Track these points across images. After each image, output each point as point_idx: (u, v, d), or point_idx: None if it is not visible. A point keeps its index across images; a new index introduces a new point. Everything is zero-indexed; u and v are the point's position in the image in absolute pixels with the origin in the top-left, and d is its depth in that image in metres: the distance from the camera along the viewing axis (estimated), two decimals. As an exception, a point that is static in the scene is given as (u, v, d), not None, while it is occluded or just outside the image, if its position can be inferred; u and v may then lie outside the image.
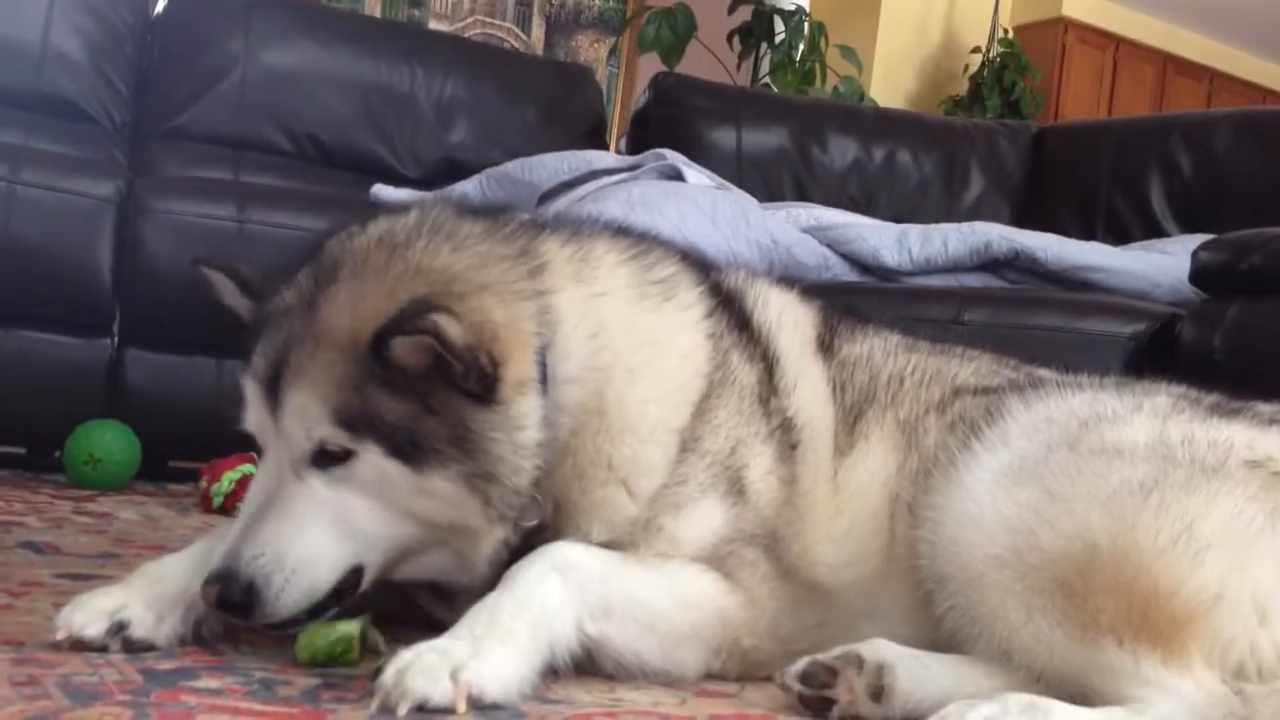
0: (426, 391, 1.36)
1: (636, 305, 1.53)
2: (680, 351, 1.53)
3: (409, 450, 1.36)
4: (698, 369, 1.53)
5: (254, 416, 1.44)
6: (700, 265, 1.66)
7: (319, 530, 1.38)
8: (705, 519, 1.48)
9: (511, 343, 1.39)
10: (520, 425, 1.40)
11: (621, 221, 1.68)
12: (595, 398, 1.46)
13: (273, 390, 1.40)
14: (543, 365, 1.43)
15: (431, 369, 1.35)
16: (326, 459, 1.38)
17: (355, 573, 1.41)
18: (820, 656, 1.39)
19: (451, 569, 1.46)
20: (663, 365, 1.51)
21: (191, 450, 3.09)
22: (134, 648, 1.37)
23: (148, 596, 1.41)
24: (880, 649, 1.39)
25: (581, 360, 1.46)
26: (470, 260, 1.44)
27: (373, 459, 1.36)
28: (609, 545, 1.45)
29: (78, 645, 1.35)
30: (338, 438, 1.37)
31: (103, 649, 1.36)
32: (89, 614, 1.37)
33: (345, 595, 1.41)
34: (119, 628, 1.37)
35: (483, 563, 1.44)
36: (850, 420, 1.63)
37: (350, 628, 1.40)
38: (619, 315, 1.51)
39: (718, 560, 1.47)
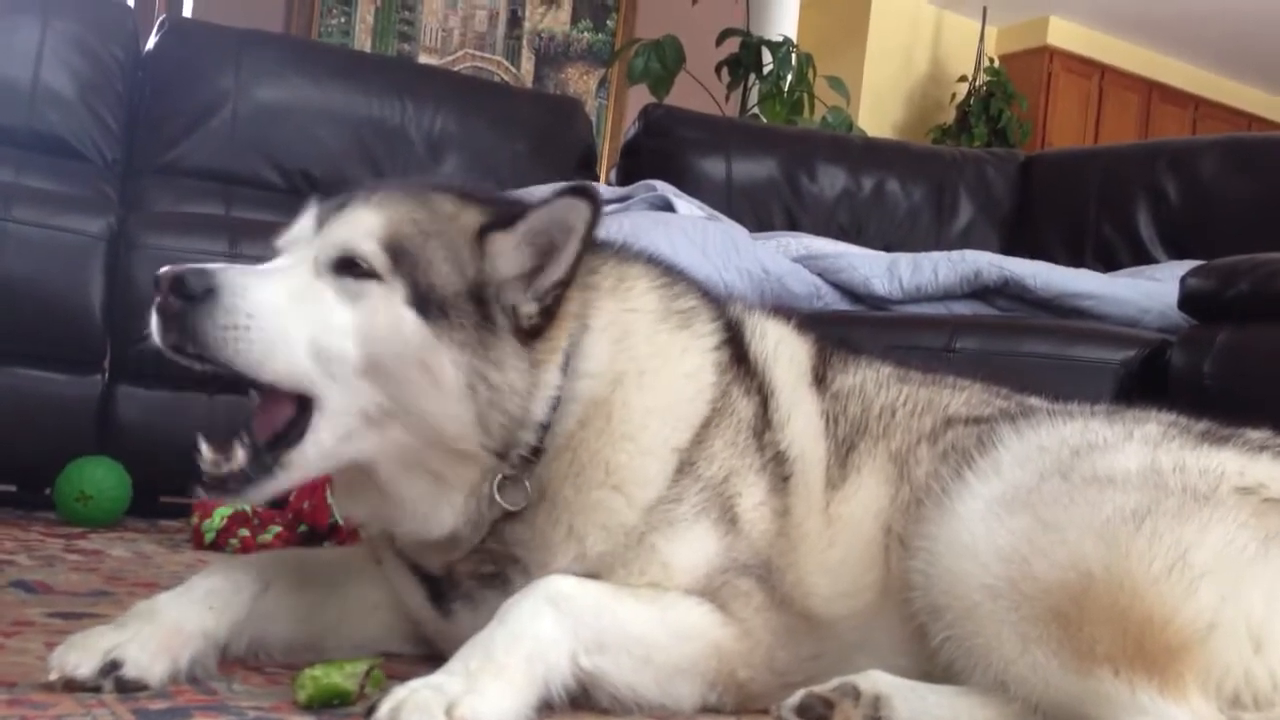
0: (484, 286, 1.40)
1: (658, 324, 1.57)
2: (685, 370, 1.55)
3: (433, 311, 1.37)
4: (701, 392, 1.55)
5: (294, 229, 1.46)
6: (718, 301, 1.69)
7: (303, 324, 1.35)
8: (699, 544, 1.48)
9: (564, 315, 1.45)
10: (535, 384, 1.42)
11: (654, 251, 1.71)
12: (605, 399, 1.48)
13: (339, 206, 1.43)
14: (567, 356, 1.46)
15: (513, 277, 1.41)
16: (348, 272, 1.38)
17: (303, 409, 1.36)
18: (816, 689, 1.39)
19: (423, 496, 1.43)
20: (669, 378, 1.53)
21: (183, 486, 3.07)
22: (127, 687, 1.36)
23: (140, 636, 1.40)
24: (876, 680, 1.38)
25: (602, 361, 1.49)
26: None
27: (394, 298, 1.37)
28: (605, 557, 1.45)
29: (71, 685, 1.34)
30: (376, 257, 1.37)
31: (96, 689, 1.35)
32: (82, 654, 1.36)
33: (284, 441, 1.36)
34: (112, 667, 1.36)
35: (454, 510, 1.43)
36: (843, 452, 1.64)
37: (354, 668, 1.39)
38: (642, 329, 1.54)
39: (712, 591, 1.47)
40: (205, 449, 1.38)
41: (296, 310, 1.35)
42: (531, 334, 1.42)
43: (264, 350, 1.32)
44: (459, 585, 1.52)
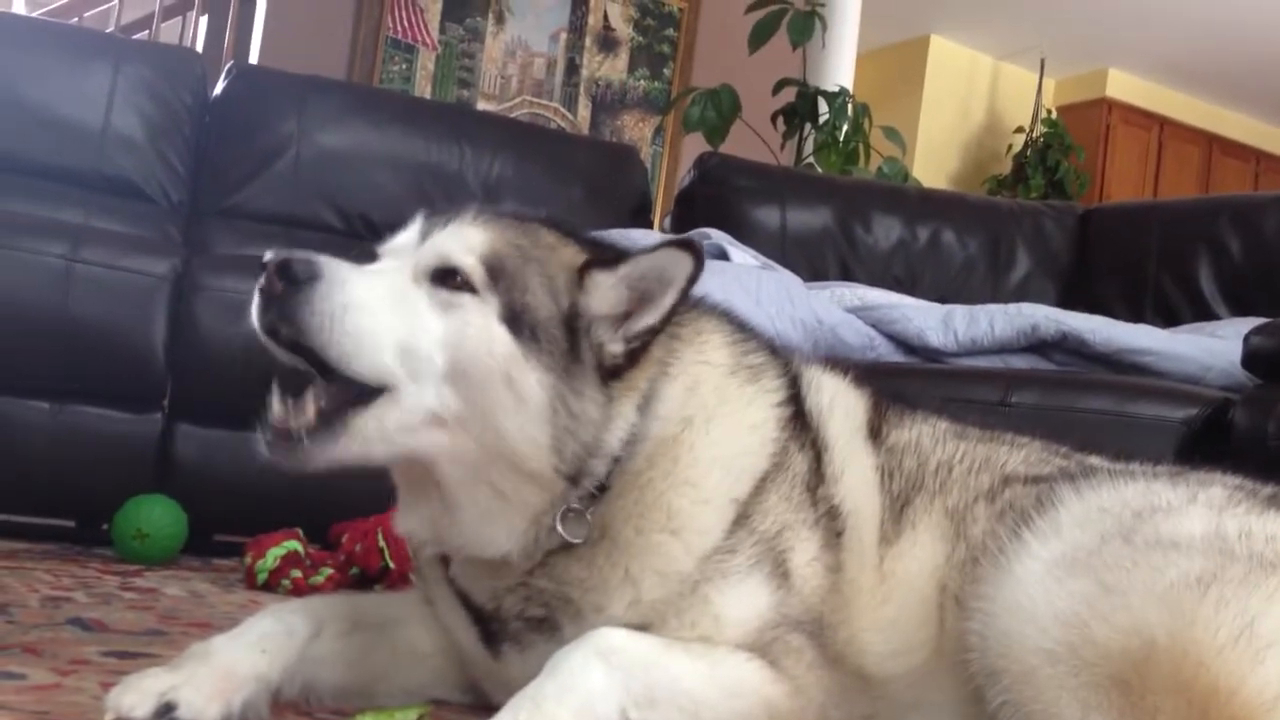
0: (577, 319, 1.43)
1: (729, 377, 1.58)
2: (751, 422, 1.56)
3: (524, 330, 1.39)
4: (764, 445, 1.55)
5: (398, 239, 1.49)
6: (784, 357, 1.70)
7: (396, 325, 1.38)
8: (751, 598, 1.46)
9: (647, 360, 1.47)
10: (610, 418, 1.43)
11: (727, 305, 1.73)
12: (674, 440, 1.49)
13: (444, 222, 1.46)
14: (644, 398, 1.47)
15: (605, 316, 1.43)
16: (444, 283, 1.40)
17: (389, 397, 1.37)
18: (871, 753, 1.37)
19: (485, 513, 1.43)
20: (734, 428, 1.54)
21: (237, 525, 3.11)
22: (181, 729, 1.37)
23: (195, 678, 1.41)
24: (931, 744, 1.36)
25: (674, 407, 1.50)
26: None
27: (488, 312, 1.39)
28: (658, 605, 1.44)
29: (125, 726, 1.36)
30: (474, 271, 1.40)
31: (150, 730, 1.36)
32: (137, 695, 1.37)
33: (351, 408, 1.37)
34: (167, 709, 1.37)
35: (511, 533, 1.43)
36: (897, 508, 1.62)
37: (405, 715, 1.39)
38: (714, 379, 1.56)
39: (763, 647, 1.45)
40: (276, 400, 1.38)
41: (391, 310, 1.38)
42: (612, 373, 1.45)
43: (355, 343, 1.35)
44: (507, 625, 1.51)
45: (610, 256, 1.47)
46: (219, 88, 4.20)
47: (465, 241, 1.43)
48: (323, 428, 1.36)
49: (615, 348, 1.44)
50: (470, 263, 1.40)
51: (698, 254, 1.42)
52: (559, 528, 1.44)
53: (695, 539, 1.47)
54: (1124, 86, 10.15)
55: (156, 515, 2.85)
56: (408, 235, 1.51)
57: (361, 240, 4.10)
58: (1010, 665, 1.35)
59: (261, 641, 1.48)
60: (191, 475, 3.09)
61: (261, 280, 1.36)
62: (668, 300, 1.44)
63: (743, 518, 1.49)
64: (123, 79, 3.92)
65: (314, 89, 4.28)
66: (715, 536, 1.47)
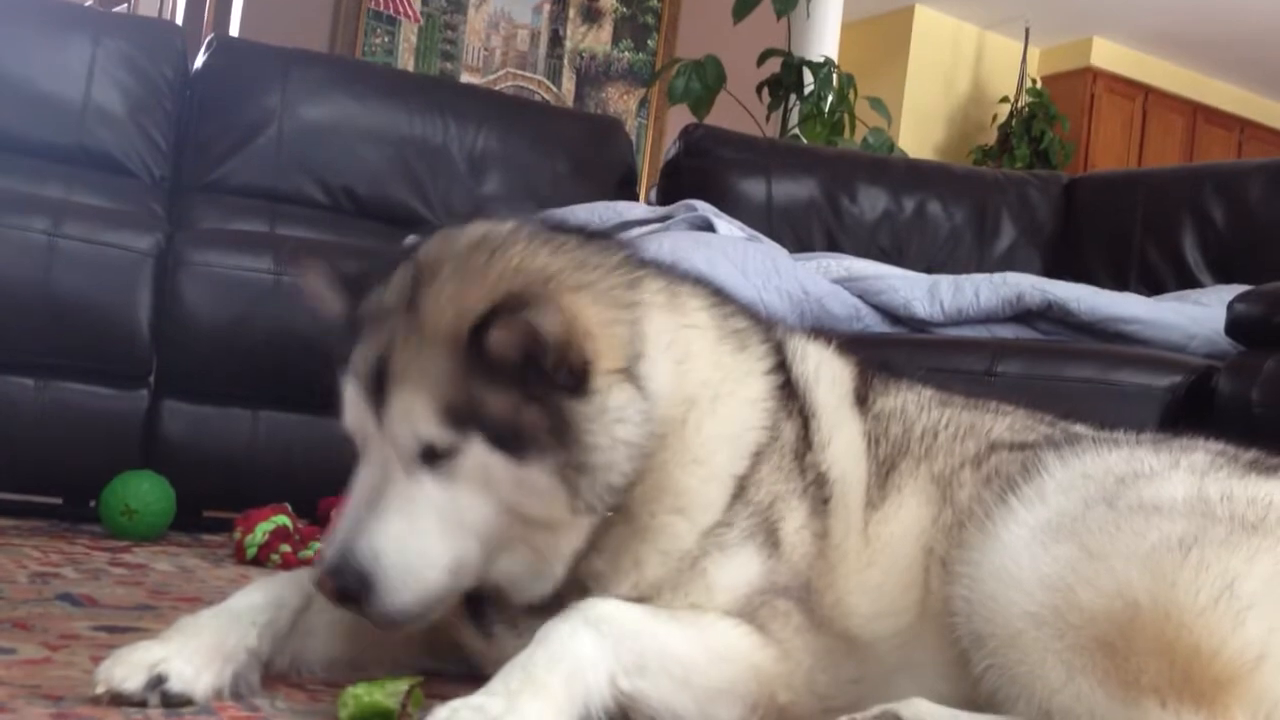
0: (525, 381, 1.38)
1: (719, 345, 1.56)
2: (751, 397, 1.56)
3: (511, 442, 1.38)
4: (762, 419, 1.55)
5: (354, 416, 1.45)
6: (764, 323, 1.69)
7: (431, 527, 1.39)
8: (743, 568, 1.48)
9: (604, 340, 1.41)
10: (618, 418, 1.41)
11: (700, 272, 1.71)
12: (679, 421, 1.48)
13: (376, 390, 1.41)
14: (629, 375, 1.44)
15: (528, 360, 1.37)
16: (434, 456, 1.39)
17: (457, 571, 1.42)
18: (857, 716, 1.38)
19: (526, 570, 1.46)
20: (738, 404, 1.54)
21: (226, 500, 3.12)
22: (172, 701, 1.37)
23: (186, 650, 1.41)
24: (919, 708, 1.37)
25: (669, 382, 1.48)
26: (567, 262, 1.46)
27: (478, 452, 1.38)
28: (658, 583, 1.45)
29: (117, 699, 1.36)
30: (445, 437, 1.38)
31: (141, 703, 1.36)
32: (128, 668, 1.37)
33: (448, 597, 1.44)
34: (158, 681, 1.37)
35: (558, 563, 1.45)
36: (883, 473, 1.63)
37: (395, 687, 1.40)
38: (705, 349, 1.54)
39: (750, 612, 1.47)
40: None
41: (425, 524, 1.40)
42: (580, 381, 1.39)
43: (424, 581, 1.40)
44: (505, 610, 1.52)
45: (490, 314, 1.36)
46: (200, 61, 4.16)
47: (415, 415, 1.38)
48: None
49: (562, 376, 1.38)
50: (436, 433, 1.38)
51: (531, 299, 1.36)
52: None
53: (700, 516, 1.48)
54: (1109, 55, 10.14)
55: (144, 491, 2.85)
56: (357, 409, 1.44)
57: (345, 214, 4.10)
58: (995, 629, 1.37)
59: (251, 614, 1.49)
60: (179, 451, 3.08)
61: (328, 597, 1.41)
62: (558, 343, 1.36)
63: (740, 490, 1.51)
64: (102, 52, 3.89)
65: (296, 62, 4.25)
66: (717, 512, 1.48)
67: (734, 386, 1.54)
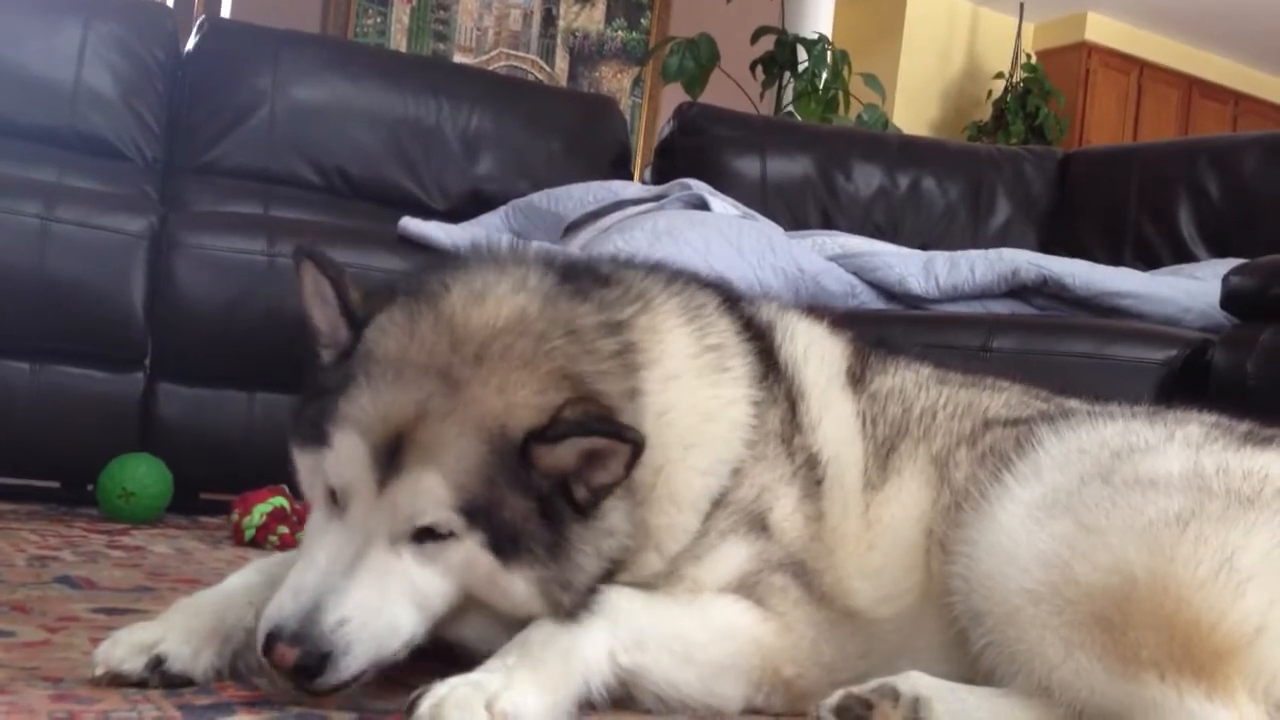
0: (549, 495, 1.36)
1: (698, 379, 1.53)
2: (731, 421, 1.54)
3: (507, 547, 1.35)
4: (743, 437, 1.53)
5: (350, 472, 1.36)
6: (743, 309, 1.66)
7: (403, 606, 1.35)
8: (727, 558, 1.48)
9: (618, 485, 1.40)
10: (609, 533, 1.40)
11: (671, 265, 1.68)
12: (653, 473, 1.46)
13: (392, 456, 1.34)
14: (631, 485, 1.42)
15: (565, 478, 1.35)
16: (427, 536, 1.35)
17: (410, 645, 1.38)
18: (855, 689, 1.38)
19: (479, 635, 1.42)
20: (714, 438, 1.52)
21: (223, 483, 3.12)
22: (172, 682, 1.37)
23: (184, 631, 1.42)
24: (916, 682, 1.38)
25: (650, 442, 1.43)
26: (591, 364, 1.42)
27: (471, 547, 1.35)
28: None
29: (116, 680, 1.36)
30: (453, 523, 1.34)
31: (141, 684, 1.36)
32: (127, 649, 1.38)
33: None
34: (157, 662, 1.37)
35: (516, 627, 1.40)
36: (882, 454, 1.63)
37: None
38: (684, 395, 1.51)
39: (747, 589, 1.47)
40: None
41: (394, 599, 1.34)
42: (597, 501, 1.39)
43: (380, 649, 1.33)
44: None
45: (548, 433, 1.34)
46: (191, 43, 4.15)
47: (432, 497, 1.33)
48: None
49: (582, 495, 1.37)
50: (446, 517, 1.34)
51: (635, 443, 1.34)
52: None
53: (671, 546, 1.48)
54: (1103, 30, 10.10)
55: (141, 474, 2.85)
56: (359, 472, 1.36)
57: (338, 195, 4.09)
58: (994, 607, 1.37)
59: (248, 594, 1.48)
60: (175, 434, 3.08)
61: (279, 675, 1.32)
62: (617, 472, 1.36)
63: (718, 501, 1.50)
64: (93, 35, 3.87)
65: (288, 43, 4.23)
66: (691, 536, 1.48)
67: (713, 428, 1.51)
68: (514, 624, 1.39)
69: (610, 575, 1.43)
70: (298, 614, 1.31)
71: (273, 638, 1.30)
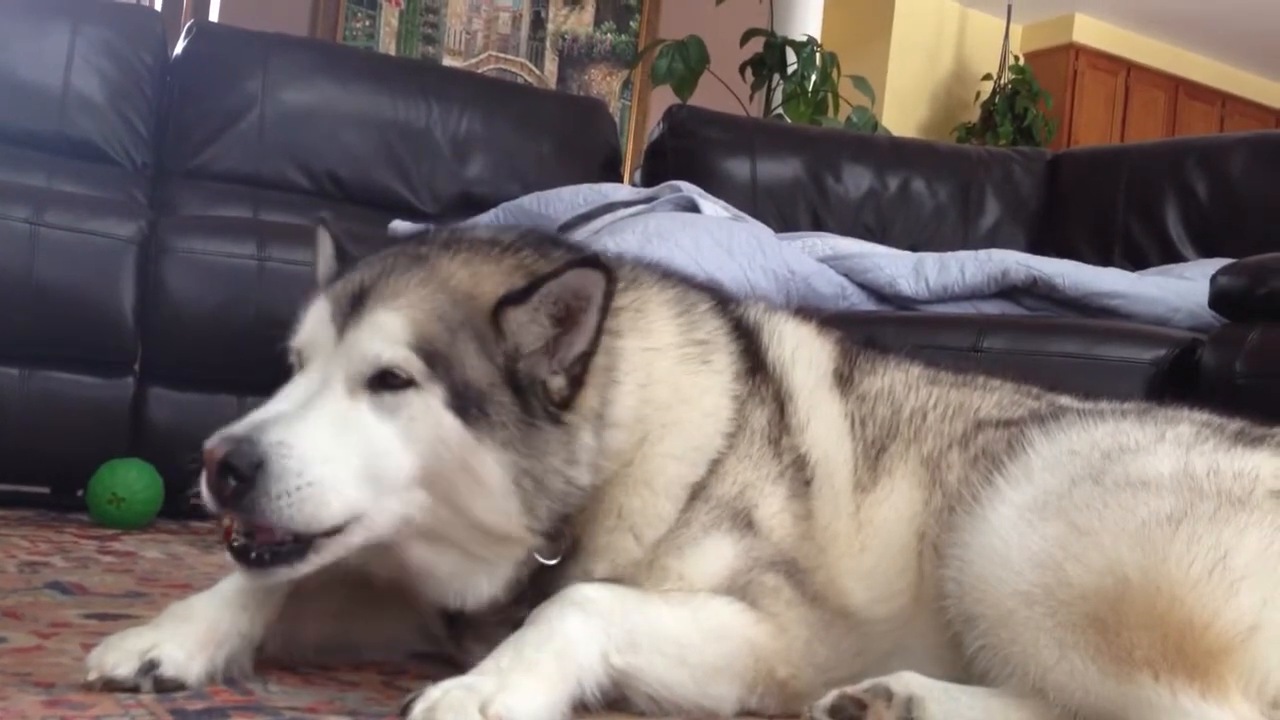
0: (515, 368, 1.38)
1: (680, 364, 1.54)
2: (705, 410, 1.54)
3: (473, 411, 1.34)
4: (719, 427, 1.54)
5: (310, 329, 1.40)
6: (734, 311, 1.67)
7: (350, 457, 1.32)
8: (712, 554, 1.48)
9: (591, 377, 1.42)
10: (574, 457, 1.40)
11: (667, 265, 1.69)
12: (633, 448, 1.47)
13: (355, 304, 1.37)
14: (598, 414, 1.44)
15: (536, 350, 1.38)
16: (384, 385, 1.34)
17: (358, 517, 1.34)
18: (849, 689, 1.39)
19: (451, 579, 1.42)
20: (689, 422, 1.52)
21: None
22: (165, 687, 1.37)
23: (177, 635, 1.41)
24: (909, 682, 1.38)
25: (630, 408, 1.47)
26: None
27: (432, 402, 1.34)
28: (614, 580, 1.45)
29: (109, 686, 1.36)
30: (410, 363, 1.33)
31: (134, 689, 1.36)
32: (120, 654, 1.37)
33: (329, 543, 1.34)
34: (150, 667, 1.37)
35: (492, 583, 1.42)
36: (872, 455, 1.63)
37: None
38: (665, 371, 1.53)
39: (739, 590, 1.47)
40: (237, 529, 1.35)
41: (344, 446, 1.32)
42: (563, 405, 1.40)
43: (319, 503, 1.30)
44: (477, 627, 1.50)
45: (519, 290, 1.39)
46: (179, 47, 4.14)
47: (389, 333, 1.34)
48: (291, 555, 1.34)
49: (557, 382, 1.40)
50: (403, 356, 1.33)
51: (607, 270, 1.37)
52: (538, 556, 1.44)
53: (648, 531, 1.48)
54: (1091, 31, 10.13)
55: (131, 479, 2.84)
56: (318, 326, 1.40)
57: (328, 199, 4.08)
58: (986, 609, 1.37)
59: (241, 598, 1.48)
60: (165, 438, 3.07)
61: (207, 482, 1.30)
62: (590, 323, 1.39)
63: (698, 493, 1.51)
64: (81, 40, 3.86)
65: (277, 47, 4.22)
66: (668, 523, 1.49)
67: (687, 409, 1.52)
68: (484, 563, 1.40)
69: (576, 544, 1.45)
70: (245, 425, 1.30)
71: (215, 442, 1.28)
